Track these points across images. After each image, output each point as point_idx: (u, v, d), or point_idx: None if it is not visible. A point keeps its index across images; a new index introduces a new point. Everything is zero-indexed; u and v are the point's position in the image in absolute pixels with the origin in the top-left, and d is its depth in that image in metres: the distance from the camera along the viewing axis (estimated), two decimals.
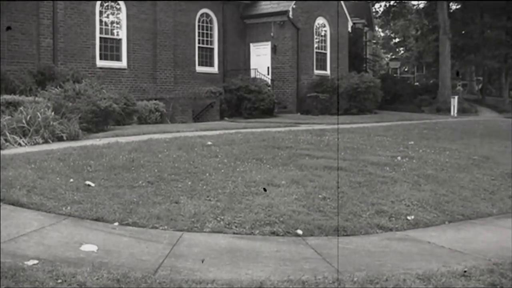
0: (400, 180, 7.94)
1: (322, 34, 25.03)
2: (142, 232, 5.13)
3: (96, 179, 7.05)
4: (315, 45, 24.61)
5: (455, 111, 26.80)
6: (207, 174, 7.60)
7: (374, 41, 43.97)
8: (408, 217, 6.16)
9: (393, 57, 56.67)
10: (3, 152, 9.12)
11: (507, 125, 18.28)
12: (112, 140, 10.39)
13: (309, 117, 20.85)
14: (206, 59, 22.47)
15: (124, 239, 4.94)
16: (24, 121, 10.83)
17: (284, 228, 5.50)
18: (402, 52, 58.46)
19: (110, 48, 18.89)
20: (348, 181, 7.63)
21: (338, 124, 17.39)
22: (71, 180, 6.91)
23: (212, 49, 22.65)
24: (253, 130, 14.03)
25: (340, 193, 6.85)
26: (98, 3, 18.62)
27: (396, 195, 7.04)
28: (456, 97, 27.93)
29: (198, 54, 22.07)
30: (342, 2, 25.80)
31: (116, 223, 5.47)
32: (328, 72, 25.17)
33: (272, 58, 23.40)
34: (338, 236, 5.42)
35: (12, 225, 5.08)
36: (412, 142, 12.08)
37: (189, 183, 7.06)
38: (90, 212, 5.66)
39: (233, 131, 13.43)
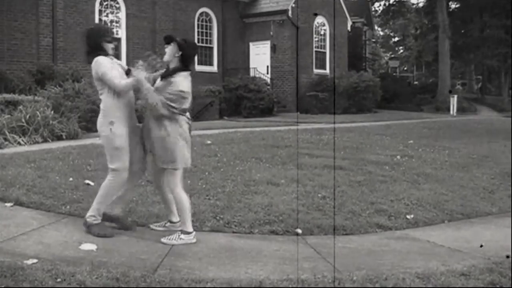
0: (400, 179, 7.94)
1: (322, 33, 25.03)
2: (141, 231, 5.12)
3: (95, 178, 7.04)
4: (315, 44, 24.62)
5: (455, 110, 26.79)
6: (206, 173, 7.60)
7: (374, 40, 43.96)
8: (408, 216, 6.15)
9: (393, 56, 56.67)
10: (2, 151, 9.13)
11: (506, 124, 18.28)
12: None
13: (308, 116, 20.84)
14: (206, 58, 22.46)
15: (124, 238, 4.94)
16: (23, 120, 10.83)
17: (283, 227, 5.49)
18: (401, 51, 58.51)
19: None
20: (347, 180, 7.63)
21: (334, 123, 17.39)
22: (71, 179, 6.91)
23: (212, 48, 22.64)
24: (253, 129, 14.04)
25: (339, 192, 6.85)
26: (98, 2, 18.61)
27: (395, 194, 7.04)
28: (456, 96, 27.91)
29: (198, 53, 22.04)
30: (341, 0, 25.79)
31: None
32: (327, 71, 25.17)
33: (272, 57, 23.40)
34: (334, 234, 5.42)
35: (11, 224, 5.08)
36: (412, 141, 12.09)
37: (188, 182, 7.06)
38: None
39: (233, 130, 13.43)
